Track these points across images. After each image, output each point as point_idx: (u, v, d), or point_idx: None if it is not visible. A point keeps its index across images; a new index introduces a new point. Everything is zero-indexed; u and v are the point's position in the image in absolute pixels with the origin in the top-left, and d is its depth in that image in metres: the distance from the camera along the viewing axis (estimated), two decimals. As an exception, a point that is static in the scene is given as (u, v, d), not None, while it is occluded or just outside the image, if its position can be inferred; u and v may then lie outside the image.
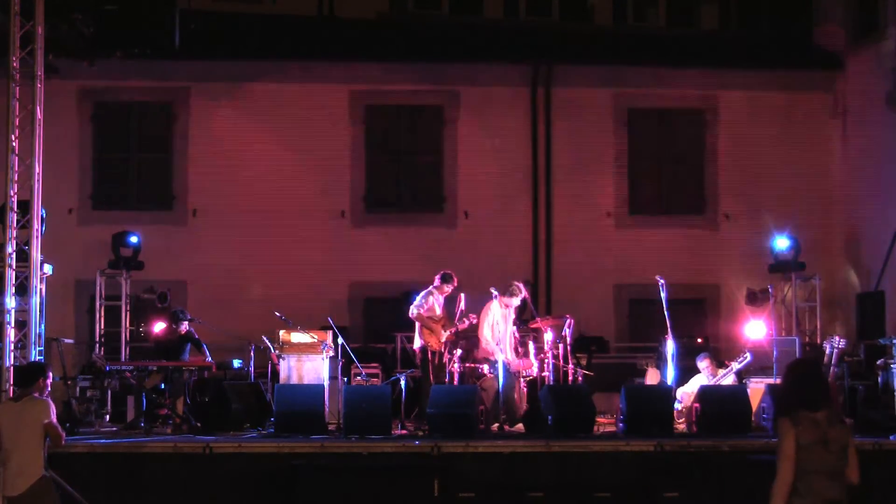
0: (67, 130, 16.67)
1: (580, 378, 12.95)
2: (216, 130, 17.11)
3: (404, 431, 11.59)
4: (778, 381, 12.74)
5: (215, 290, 16.49)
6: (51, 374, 8.50)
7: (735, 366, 12.82)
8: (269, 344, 12.72)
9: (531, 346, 12.71)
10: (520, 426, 11.90)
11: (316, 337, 12.28)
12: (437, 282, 12.68)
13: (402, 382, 12.05)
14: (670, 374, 12.42)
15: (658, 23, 20.14)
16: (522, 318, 13.39)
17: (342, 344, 12.57)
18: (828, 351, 12.63)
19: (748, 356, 12.85)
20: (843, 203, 17.48)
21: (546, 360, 12.56)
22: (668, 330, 12.32)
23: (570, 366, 12.84)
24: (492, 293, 12.43)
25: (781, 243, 15.43)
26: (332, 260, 16.92)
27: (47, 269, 11.33)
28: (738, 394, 11.85)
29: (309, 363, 12.22)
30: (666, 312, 12.22)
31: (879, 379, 12.42)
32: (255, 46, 17.51)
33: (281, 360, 12.28)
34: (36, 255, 10.85)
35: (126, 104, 17.28)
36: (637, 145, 17.75)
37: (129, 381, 12.43)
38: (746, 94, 17.81)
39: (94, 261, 14.99)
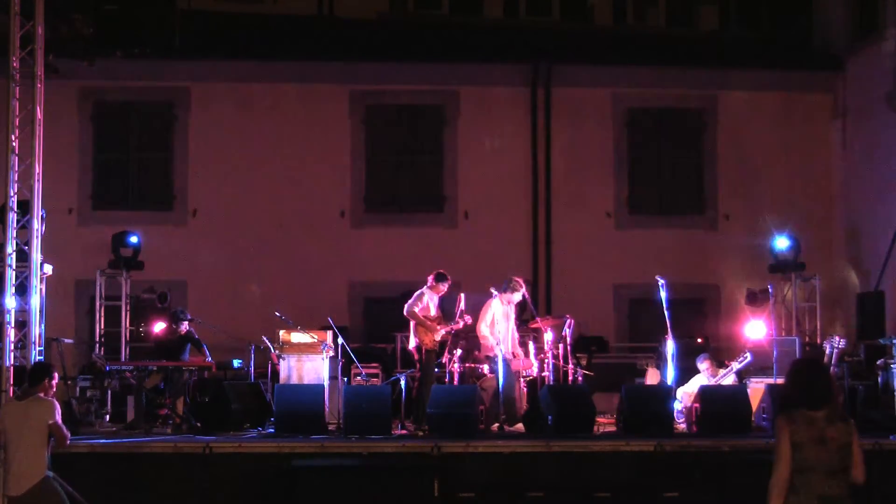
0: (67, 130, 16.68)
1: (580, 378, 12.95)
2: (216, 130, 17.12)
3: (404, 431, 11.58)
4: (778, 381, 12.76)
5: (215, 290, 16.50)
6: (56, 375, 8.50)
7: (735, 366, 12.82)
8: (269, 344, 12.72)
9: (531, 346, 12.71)
10: (520, 426, 11.90)
11: (316, 337, 12.28)
12: (430, 281, 12.67)
13: (402, 382, 12.05)
14: (670, 374, 12.41)
15: (658, 23, 20.13)
16: (522, 318, 13.39)
17: (342, 344, 12.56)
18: (828, 351, 12.64)
19: (748, 356, 12.85)
20: (843, 203, 17.49)
21: (546, 360, 12.55)
22: (668, 330, 12.31)
23: (570, 366, 12.83)
24: (491, 293, 12.42)
25: (781, 243, 15.43)
26: (332, 260, 16.92)
27: (47, 269, 11.33)
28: (738, 394, 11.85)
29: (309, 363, 12.22)
30: (666, 312, 12.22)
31: (879, 379, 12.42)
32: (255, 46, 17.49)
33: (281, 360, 12.28)
34: (36, 255, 10.85)
35: (126, 104, 17.28)
36: (637, 145, 17.76)
37: (129, 381, 12.43)
38: (746, 94, 17.82)
39: (94, 261, 14.99)
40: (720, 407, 11.34)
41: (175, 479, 9.98)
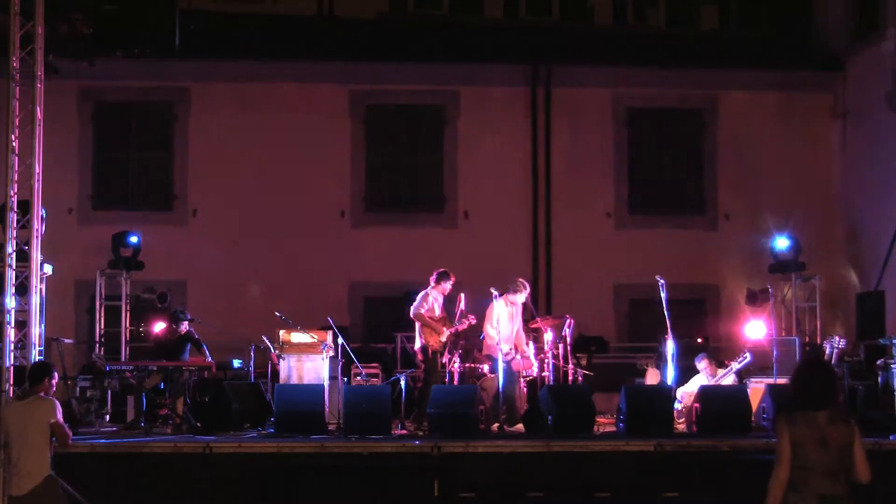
0: (67, 130, 16.67)
1: (580, 378, 12.95)
2: (216, 130, 17.12)
3: (404, 431, 11.58)
4: (779, 381, 12.77)
5: (215, 290, 16.50)
6: (56, 375, 8.50)
7: (735, 366, 12.82)
8: (269, 344, 12.72)
9: (531, 346, 12.71)
10: (520, 426, 11.90)
11: (316, 337, 12.28)
12: (433, 281, 12.67)
13: (402, 382, 12.05)
14: (670, 374, 12.41)
15: (658, 23, 20.12)
16: (523, 318, 13.38)
17: (342, 344, 12.57)
18: (828, 351, 12.65)
19: (748, 356, 12.85)
20: (843, 203, 17.49)
21: (546, 360, 12.55)
22: (668, 330, 12.31)
23: (570, 366, 12.83)
24: (492, 293, 12.42)
25: (781, 243, 15.43)
26: (331, 260, 16.92)
27: (47, 269, 11.33)
28: (738, 394, 11.86)
29: (309, 363, 12.22)
30: (666, 312, 12.22)
31: (879, 379, 12.42)
32: (255, 46, 17.49)
33: (281, 360, 12.28)
34: (36, 255, 10.85)
35: (126, 104, 17.29)
36: (637, 145, 17.76)
37: (129, 381, 12.43)
38: (746, 94, 17.82)
39: (94, 261, 14.99)
40: (720, 407, 11.34)
41: (175, 479, 9.97)
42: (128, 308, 14.84)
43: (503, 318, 12.33)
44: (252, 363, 13.19)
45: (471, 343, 12.84)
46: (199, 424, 11.57)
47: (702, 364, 13.04)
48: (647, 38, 19.17)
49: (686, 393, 12.54)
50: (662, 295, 12.34)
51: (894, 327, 15.28)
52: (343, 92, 17.39)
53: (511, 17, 19.73)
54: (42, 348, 11.16)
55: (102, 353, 14.01)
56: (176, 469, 10.01)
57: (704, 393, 11.62)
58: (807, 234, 15.89)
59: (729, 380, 12.84)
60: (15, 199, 10.80)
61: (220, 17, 17.85)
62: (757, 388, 12.54)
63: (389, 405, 11.24)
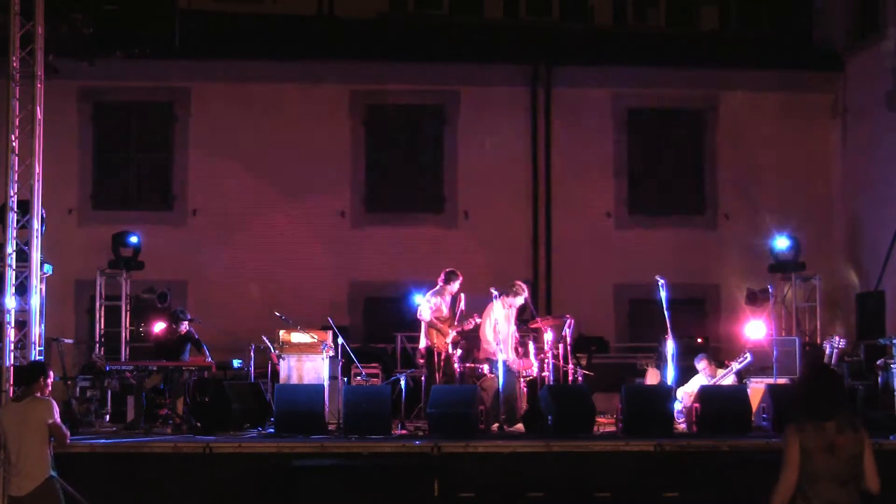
0: (67, 130, 16.67)
1: (580, 378, 12.95)
2: (216, 130, 17.11)
3: (404, 431, 11.58)
4: (779, 381, 12.77)
5: (215, 290, 16.50)
6: (52, 374, 8.50)
7: (735, 366, 12.82)
8: (269, 344, 12.72)
9: (531, 346, 12.71)
10: (519, 426, 11.90)
11: (316, 337, 12.28)
12: (441, 281, 12.67)
13: (402, 382, 12.05)
14: (670, 374, 12.41)
15: (658, 23, 20.12)
16: (522, 318, 13.38)
17: (342, 344, 12.57)
18: (828, 351, 12.65)
19: (748, 356, 12.85)
20: (843, 203, 17.49)
21: (546, 360, 12.55)
22: (668, 330, 12.32)
23: (570, 366, 12.83)
24: (492, 293, 12.42)
25: (781, 243, 15.43)
26: (331, 260, 16.92)
27: (47, 269, 11.34)
28: (738, 394, 11.86)
29: (309, 363, 12.22)
30: (666, 312, 12.22)
31: (879, 379, 12.42)
32: (255, 46, 17.49)
33: (281, 360, 12.28)
34: (36, 255, 10.85)
35: (126, 104, 17.28)
36: (637, 145, 17.76)
37: (129, 381, 12.42)
38: (746, 94, 17.81)
39: (94, 261, 14.98)
40: (720, 407, 11.34)
41: (175, 479, 9.97)
42: (128, 308, 14.84)
43: (501, 320, 12.33)
44: (252, 363, 13.18)
45: (471, 343, 12.83)
46: (199, 424, 11.57)
47: (701, 364, 13.04)
48: (647, 38, 19.16)
49: (686, 393, 12.54)
50: (662, 295, 12.35)
51: (894, 327, 15.27)
52: (343, 92, 17.39)
53: (511, 17, 19.73)
54: (42, 348, 11.16)
55: (102, 353, 14.00)
56: (176, 469, 10.02)
57: (704, 393, 11.62)
58: (807, 234, 15.89)
59: (729, 380, 12.84)
60: (15, 199, 10.80)
61: (220, 17, 17.85)
62: (757, 388, 12.54)
63: (389, 405, 11.24)
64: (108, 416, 13.09)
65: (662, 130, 17.88)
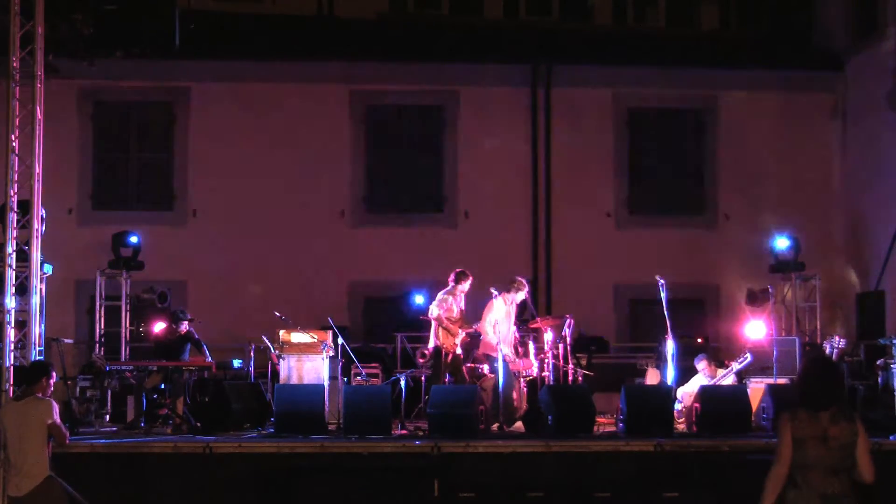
0: (67, 130, 16.67)
1: (580, 378, 12.95)
2: (216, 130, 17.12)
3: (404, 431, 11.58)
4: (779, 381, 12.77)
5: (215, 290, 16.50)
6: (54, 375, 8.50)
7: (735, 366, 12.82)
8: (269, 344, 12.72)
9: (531, 346, 12.71)
10: (519, 425, 11.90)
11: (316, 337, 12.27)
12: (451, 281, 12.67)
13: (402, 382, 12.05)
14: (670, 374, 12.42)
15: (658, 23, 20.12)
16: (522, 318, 13.38)
17: (342, 344, 12.57)
18: (828, 351, 12.65)
19: (748, 356, 12.85)
20: (843, 203, 17.49)
21: (546, 360, 12.55)
22: (668, 330, 12.32)
23: (570, 366, 12.83)
24: (492, 293, 12.42)
25: (781, 243, 15.43)
26: (331, 260, 16.92)
27: (47, 269, 11.33)
28: (738, 394, 11.85)
29: (309, 363, 12.21)
30: (666, 312, 12.22)
31: (879, 379, 12.42)
32: (255, 46, 17.49)
33: (281, 360, 12.27)
34: (36, 255, 10.85)
35: (126, 104, 17.29)
36: (637, 145, 17.76)
37: (129, 381, 12.43)
38: (746, 94, 17.82)
39: (94, 261, 14.99)
40: (720, 407, 11.34)
41: (175, 479, 9.98)
42: (128, 308, 14.84)
43: (501, 318, 12.33)
44: (252, 363, 13.19)
45: (471, 343, 12.83)
46: (199, 424, 11.56)
47: (701, 365, 13.05)
48: (647, 38, 19.17)
49: (686, 393, 12.54)
50: (663, 295, 12.35)
51: (894, 327, 15.27)
52: (343, 92, 17.39)
53: (511, 17, 19.74)
54: (42, 348, 11.15)
55: (102, 353, 14.00)
56: (176, 469, 10.01)
57: (704, 393, 11.61)
58: (807, 234, 15.90)
59: (729, 380, 12.84)
60: (15, 199, 10.79)
61: (220, 17, 17.85)
62: (757, 388, 12.53)
63: (389, 405, 11.24)
64: (108, 416, 13.09)
65: (662, 130, 17.88)
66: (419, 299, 14.84)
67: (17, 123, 10.87)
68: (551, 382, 12.30)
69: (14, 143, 10.81)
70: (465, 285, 12.65)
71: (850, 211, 17.30)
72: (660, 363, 13.55)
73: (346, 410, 11.09)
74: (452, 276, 12.72)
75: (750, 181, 17.52)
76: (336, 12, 19.44)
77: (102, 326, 14.67)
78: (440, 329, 12.47)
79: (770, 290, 14.86)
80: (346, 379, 12.53)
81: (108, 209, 16.86)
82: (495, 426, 11.74)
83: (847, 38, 17.77)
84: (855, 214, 17.18)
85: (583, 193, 17.44)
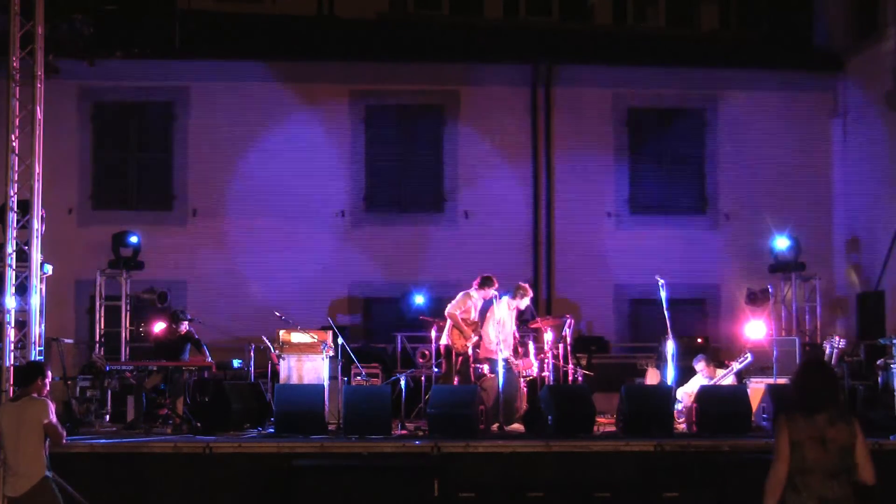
0: (67, 130, 16.67)
1: (580, 378, 12.95)
2: (216, 130, 17.11)
3: (404, 431, 11.58)
4: (779, 381, 12.76)
5: (215, 290, 16.50)
6: (50, 374, 8.49)
7: (736, 366, 12.83)
8: (269, 344, 12.72)
9: (531, 346, 12.71)
10: (518, 426, 11.89)
11: (316, 337, 12.28)
12: (475, 285, 12.65)
13: (402, 382, 12.05)
14: (670, 374, 12.42)
15: (658, 23, 20.11)
16: (522, 318, 13.39)
17: (342, 344, 12.57)
18: (828, 351, 12.64)
19: (749, 356, 12.85)
20: (843, 203, 17.48)
21: (546, 360, 12.55)
22: (668, 330, 12.32)
23: (570, 366, 12.83)
24: (493, 295, 12.40)
25: (781, 243, 15.43)
26: (332, 260, 16.91)
27: (47, 269, 11.33)
28: (738, 394, 11.85)
29: (309, 363, 12.22)
30: (666, 312, 12.22)
31: (879, 379, 12.42)
32: (255, 46, 17.49)
33: (281, 360, 12.28)
34: (36, 255, 10.85)
35: (126, 104, 17.27)
36: (637, 145, 17.75)
37: (129, 381, 12.42)
38: (746, 94, 17.81)
39: (94, 261, 15.00)
40: (720, 407, 11.34)
41: (175, 479, 9.97)
42: (128, 308, 14.85)
43: (503, 320, 12.32)
44: (252, 363, 13.19)
45: (476, 344, 12.82)
46: (199, 424, 11.56)
47: (699, 365, 13.05)
48: (647, 38, 19.16)
49: (686, 393, 12.54)
50: (663, 295, 12.35)
51: (894, 327, 15.27)
52: (343, 92, 17.39)
53: (511, 17, 19.72)
54: (42, 348, 11.16)
55: (102, 353, 14.00)
56: (176, 469, 10.01)
57: (704, 393, 11.61)
58: (807, 234, 15.90)
59: (729, 380, 12.84)
60: (15, 199, 10.80)
61: (220, 17, 17.85)
62: (757, 388, 12.54)
63: (389, 405, 11.23)
64: (108, 416, 13.10)
65: (662, 130, 17.87)
66: (419, 299, 14.85)
67: (17, 123, 10.88)
68: (551, 382, 12.30)
69: (14, 143, 10.82)
70: (489, 291, 12.60)
71: (850, 211, 17.29)
72: (660, 363, 13.56)
73: (346, 410, 11.09)
74: (477, 281, 12.67)
75: (750, 181, 17.52)
76: (336, 12, 19.43)
77: (102, 326, 14.68)
78: (454, 329, 12.46)
79: (770, 290, 14.87)
80: (346, 379, 12.54)
81: (108, 209, 16.85)
82: (495, 426, 11.74)
83: (847, 38, 17.77)
84: (855, 214, 17.17)
85: (583, 193, 17.43)
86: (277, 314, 12.71)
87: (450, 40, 18.07)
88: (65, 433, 8.42)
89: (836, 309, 16.79)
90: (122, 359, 14.20)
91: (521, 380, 12.50)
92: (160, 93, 17.32)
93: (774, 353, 13.46)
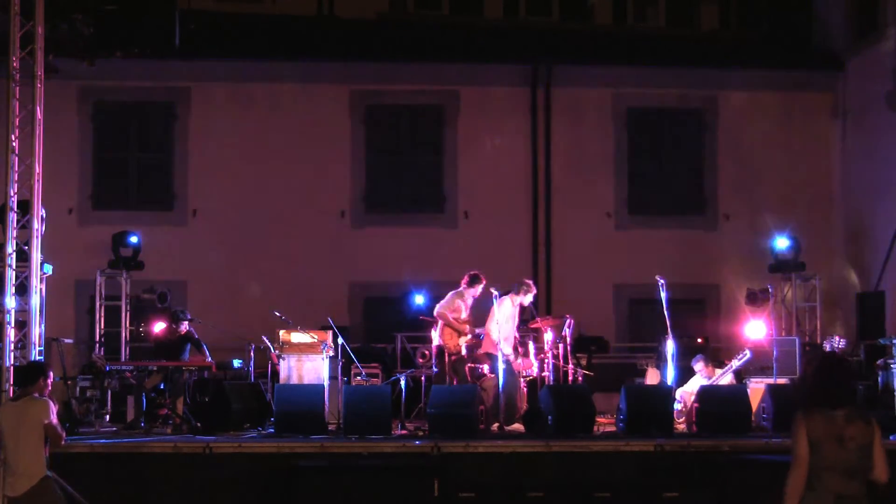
0: (67, 130, 16.68)
1: (580, 378, 12.95)
2: (216, 130, 17.12)
3: (404, 431, 11.58)
4: (778, 381, 12.77)
5: (215, 290, 16.51)
6: (52, 374, 8.49)
7: (735, 363, 12.83)
8: (269, 344, 12.72)
9: (531, 346, 12.70)
10: (518, 426, 11.89)
11: (316, 337, 12.27)
12: (464, 283, 12.65)
13: (402, 382, 12.05)
14: (670, 374, 12.42)
15: (658, 23, 20.13)
16: (522, 318, 13.38)
17: (342, 344, 12.56)
18: (828, 351, 12.63)
19: (748, 353, 12.87)
20: (843, 203, 17.49)
21: (546, 360, 12.55)
22: (668, 330, 12.32)
23: (570, 366, 12.83)
24: (493, 293, 12.40)
25: (781, 243, 15.43)
26: (331, 260, 16.91)
27: (47, 269, 11.33)
28: (738, 394, 11.86)
29: (309, 363, 12.21)
30: (666, 312, 12.22)
31: (879, 379, 12.42)
32: (255, 46, 17.50)
33: (281, 360, 12.27)
34: (36, 255, 10.85)
35: (126, 104, 17.28)
36: (637, 145, 17.76)
37: (129, 381, 12.41)
38: (746, 94, 17.82)
39: (94, 261, 14.98)
40: (720, 407, 11.34)
41: (175, 479, 9.98)
42: (128, 308, 14.84)
43: (507, 318, 12.31)
44: (252, 363, 13.18)
45: (475, 344, 12.82)
46: (199, 424, 11.56)
47: (698, 366, 13.05)
48: (647, 38, 19.18)
49: (686, 393, 12.54)
50: (663, 295, 12.34)
51: (894, 327, 15.28)
52: (343, 92, 17.39)
53: (511, 17, 19.74)
54: (42, 348, 11.15)
55: (102, 353, 13.99)
56: (176, 469, 10.02)
57: (704, 393, 11.62)
58: (807, 234, 15.90)
59: (728, 377, 12.84)
60: (15, 199, 10.80)
61: (220, 17, 17.86)
62: (757, 388, 12.54)
63: (389, 405, 11.24)
64: (108, 416, 13.08)
65: (662, 130, 17.88)
66: (419, 299, 14.85)
67: (17, 123, 10.88)
68: (551, 382, 12.30)
69: (14, 143, 10.81)
70: (478, 289, 12.61)
71: (850, 211, 17.30)
72: (660, 363, 13.55)
73: (346, 410, 11.10)
74: (466, 279, 12.68)
75: (750, 181, 17.53)
76: (336, 12, 19.46)
77: (102, 326, 14.67)
78: (445, 329, 12.45)
79: (770, 290, 14.86)
80: (346, 379, 12.53)
81: (108, 209, 16.84)
82: (495, 426, 11.74)
83: (847, 38, 17.77)
84: (855, 214, 17.18)
85: (583, 193, 17.44)
86: (277, 314, 12.71)
87: (450, 40, 18.08)
88: (64, 434, 8.42)
89: (835, 309, 16.78)
90: (122, 359, 14.19)
91: (521, 380, 12.49)
92: (160, 93, 17.33)
93: (774, 353, 13.47)
